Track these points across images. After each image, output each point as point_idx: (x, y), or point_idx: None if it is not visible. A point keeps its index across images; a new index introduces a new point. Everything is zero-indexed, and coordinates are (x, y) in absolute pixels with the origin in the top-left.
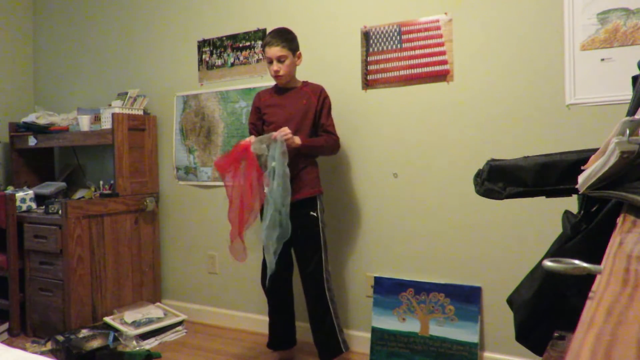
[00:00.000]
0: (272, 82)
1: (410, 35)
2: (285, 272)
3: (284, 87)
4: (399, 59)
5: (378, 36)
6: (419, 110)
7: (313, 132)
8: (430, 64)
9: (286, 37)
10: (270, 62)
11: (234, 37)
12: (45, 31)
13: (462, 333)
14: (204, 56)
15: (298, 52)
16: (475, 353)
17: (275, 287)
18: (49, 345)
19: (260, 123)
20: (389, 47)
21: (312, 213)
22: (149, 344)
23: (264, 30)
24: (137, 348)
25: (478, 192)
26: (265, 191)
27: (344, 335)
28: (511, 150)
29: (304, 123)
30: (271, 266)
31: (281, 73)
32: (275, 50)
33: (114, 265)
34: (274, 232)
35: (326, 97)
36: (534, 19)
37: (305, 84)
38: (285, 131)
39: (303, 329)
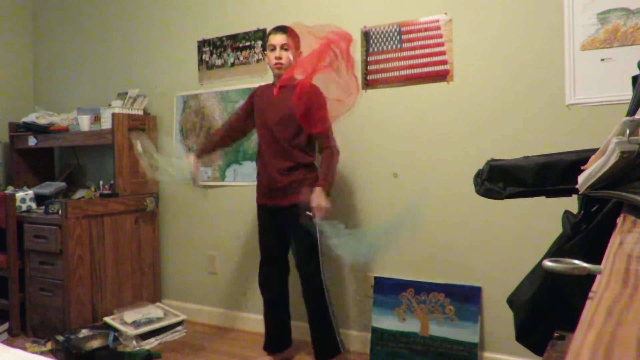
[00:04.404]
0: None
1: (410, 35)
2: (281, 274)
3: (281, 85)
4: (399, 59)
5: (378, 36)
6: (419, 110)
7: (302, 132)
8: (430, 64)
9: (292, 31)
10: (273, 49)
11: (234, 37)
12: (45, 31)
13: (462, 333)
14: (204, 56)
15: (300, 51)
16: (475, 353)
17: (272, 288)
18: (49, 345)
19: (244, 115)
20: (389, 47)
21: (308, 213)
22: (149, 344)
23: (264, 30)
24: (137, 348)
25: (478, 192)
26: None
27: (341, 335)
28: (511, 150)
29: (291, 123)
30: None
31: (283, 61)
32: (280, 38)
33: (114, 265)
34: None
35: (316, 96)
36: (534, 19)
37: (298, 82)
38: (321, 212)
39: (301, 328)
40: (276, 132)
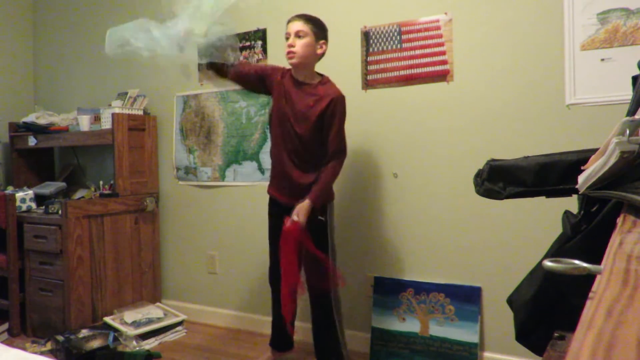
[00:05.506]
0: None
1: (410, 35)
2: None
3: (299, 80)
4: (399, 59)
5: (378, 36)
6: (419, 110)
7: (317, 134)
8: (430, 64)
9: (314, 19)
10: (287, 38)
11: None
12: (45, 31)
13: (462, 333)
14: None
15: (322, 41)
16: (475, 353)
17: (279, 286)
18: (49, 345)
19: (258, 79)
20: (389, 47)
21: (319, 217)
22: (149, 344)
23: (264, 31)
24: (137, 348)
25: (478, 192)
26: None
27: (348, 350)
28: (511, 150)
29: (306, 125)
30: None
31: (295, 49)
32: (295, 25)
33: (114, 265)
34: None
35: (336, 108)
36: (534, 19)
37: (323, 82)
38: (291, 225)
39: (305, 329)
40: (296, 127)
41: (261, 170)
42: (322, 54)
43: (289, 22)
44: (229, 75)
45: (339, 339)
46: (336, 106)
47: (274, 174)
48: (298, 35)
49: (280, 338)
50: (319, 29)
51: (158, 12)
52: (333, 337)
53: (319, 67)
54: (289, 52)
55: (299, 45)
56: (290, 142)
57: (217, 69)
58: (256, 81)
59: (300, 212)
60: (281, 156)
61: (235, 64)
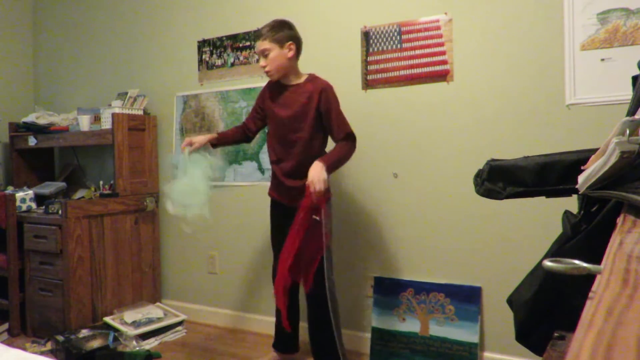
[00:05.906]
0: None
1: (410, 35)
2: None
3: (287, 85)
4: (399, 59)
5: (378, 36)
6: (419, 110)
7: (317, 133)
8: (430, 64)
9: (271, 28)
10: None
11: (234, 37)
12: (45, 31)
13: (462, 333)
14: (204, 56)
15: (288, 43)
16: (475, 353)
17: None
18: (49, 345)
19: (260, 117)
20: (389, 47)
21: (314, 217)
22: (149, 344)
23: None
24: (137, 348)
25: (478, 192)
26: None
27: (345, 349)
28: (511, 150)
29: (305, 124)
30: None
31: (267, 69)
32: (258, 44)
33: (114, 265)
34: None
35: (329, 96)
36: (534, 19)
37: (310, 79)
38: (319, 185)
39: (304, 329)
40: (295, 131)
41: (261, 170)
42: (296, 53)
43: (255, 41)
44: (242, 141)
45: (334, 339)
46: (328, 95)
47: (273, 180)
48: (264, 54)
49: (284, 340)
50: (279, 34)
51: (158, 11)
52: (329, 338)
53: (319, 68)
54: (265, 72)
55: (269, 62)
56: (289, 148)
57: (235, 142)
58: (260, 114)
59: (316, 174)
60: (279, 166)
61: (239, 127)
